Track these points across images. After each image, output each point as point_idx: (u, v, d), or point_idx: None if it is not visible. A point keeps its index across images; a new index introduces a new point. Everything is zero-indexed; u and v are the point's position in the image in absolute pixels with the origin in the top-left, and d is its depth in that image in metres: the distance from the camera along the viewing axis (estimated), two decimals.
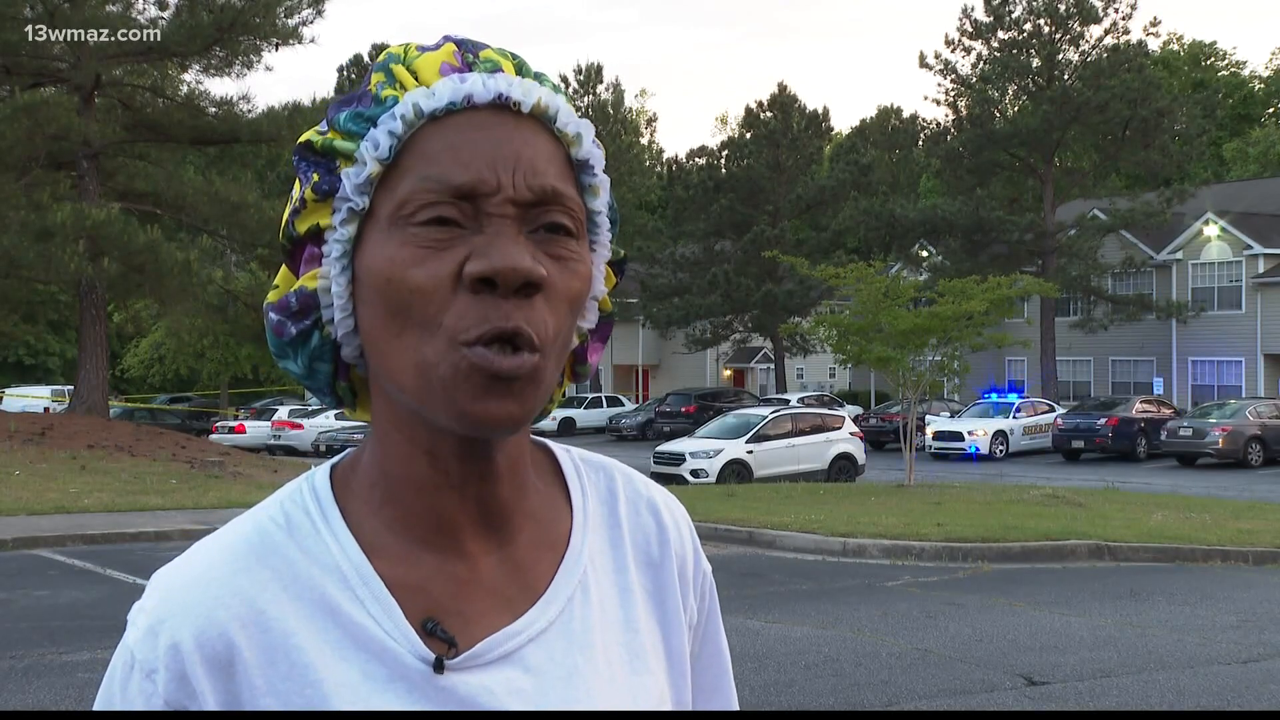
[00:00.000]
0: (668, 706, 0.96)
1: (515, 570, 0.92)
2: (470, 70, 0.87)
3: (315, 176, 0.87)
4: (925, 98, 73.84)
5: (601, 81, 59.84)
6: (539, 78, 0.90)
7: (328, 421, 35.84)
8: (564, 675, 0.89)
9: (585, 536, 0.96)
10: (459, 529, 0.89)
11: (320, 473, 0.93)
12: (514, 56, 0.90)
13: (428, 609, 0.87)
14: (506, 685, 0.87)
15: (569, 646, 0.90)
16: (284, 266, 0.92)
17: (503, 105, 0.85)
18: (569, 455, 1.01)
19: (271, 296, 0.90)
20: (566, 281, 0.85)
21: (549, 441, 1.02)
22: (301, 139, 0.88)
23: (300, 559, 0.87)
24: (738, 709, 1.08)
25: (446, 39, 0.90)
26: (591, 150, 0.89)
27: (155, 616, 0.85)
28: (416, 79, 0.87)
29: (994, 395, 35.10)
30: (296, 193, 0.89)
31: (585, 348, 0.95)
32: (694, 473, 22.11)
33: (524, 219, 0.84)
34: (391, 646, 0.85)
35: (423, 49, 0.89)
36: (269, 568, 0.87)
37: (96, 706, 0.87)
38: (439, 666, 0.85)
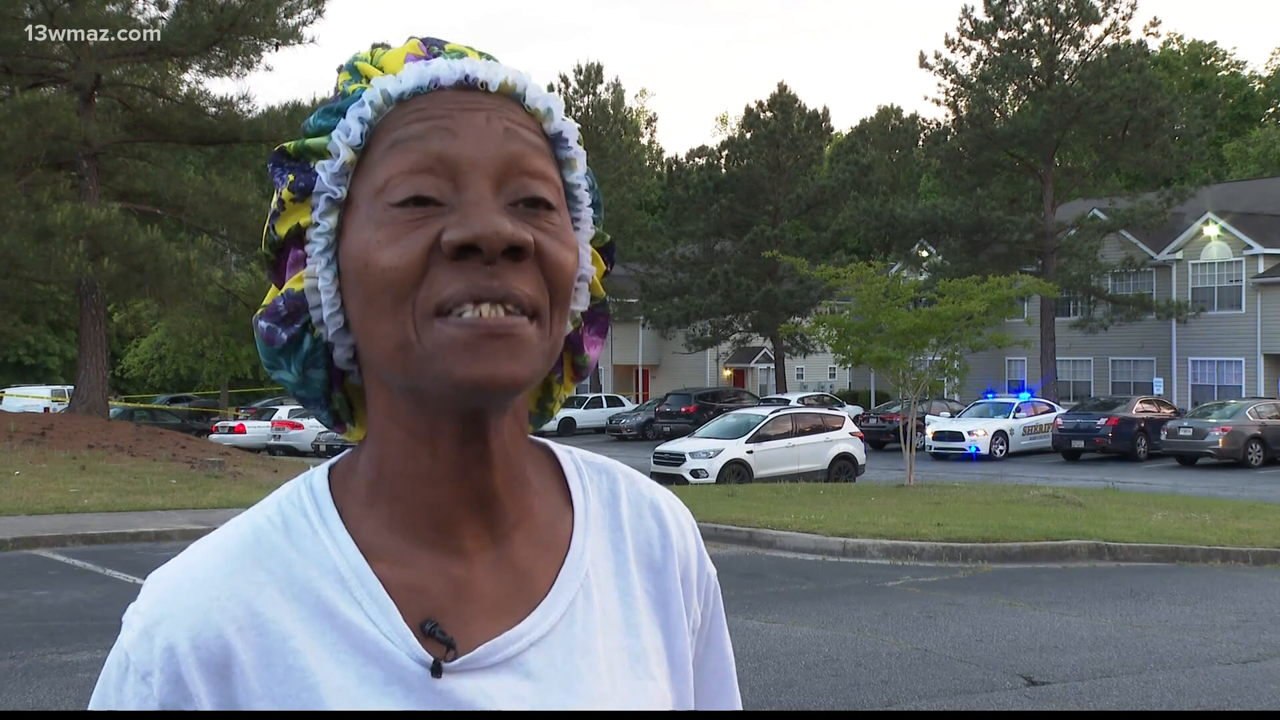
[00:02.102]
0: (669, 710, 0.95)
1: (515, 572, 0.91)
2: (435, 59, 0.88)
3: (291, 177, 0.87)
4: (925, 98, 73.90)
5: (601, 81, 59.76)
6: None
7: None
8: (564, 681, 0.88)
9: (586, 539, 0.95)
10: (457, 523, 0.88)
11: (318, 473, 0.92)
12: (482, 53, 0.91)
13: (426, 611, 0.86)
14: (505, 690, 0.86)
15: (569, 652, 0.89)
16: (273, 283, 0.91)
17: (470, 86, 0.86)
18: (570, 456, 1.00)
19: (261, 310, 0.90)
20: (555, 248, 0.84)
21: (550, 442, 1.01)
22: (275, 149, 0.89)
23: (297, 560, 0.86)
24: (741, 711, 1.07)
25: (411, 38, 0.91)
26: (564, 124, 0.89)
27: (150, 618, 0.84)
28: (383, 72, 0.87)
29: (990, 396, 35.13)
30: (275, 199, 0.89)
31: (581, 336, 0.94)
32: (694, 473, 22.11)
33: (502, 188, 0.83)
34: (389, 649, 0.84)
35: (387, 48, 0.90)
36: (266, 569, 0.86)
37: (91, 708, 0.86)
38: (436, 670, 0.84)
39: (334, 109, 0.86)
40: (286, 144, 0.88)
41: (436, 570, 0.88)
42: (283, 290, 0.88)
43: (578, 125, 0.91)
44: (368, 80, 0.87)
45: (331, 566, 0.86)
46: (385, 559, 0.87)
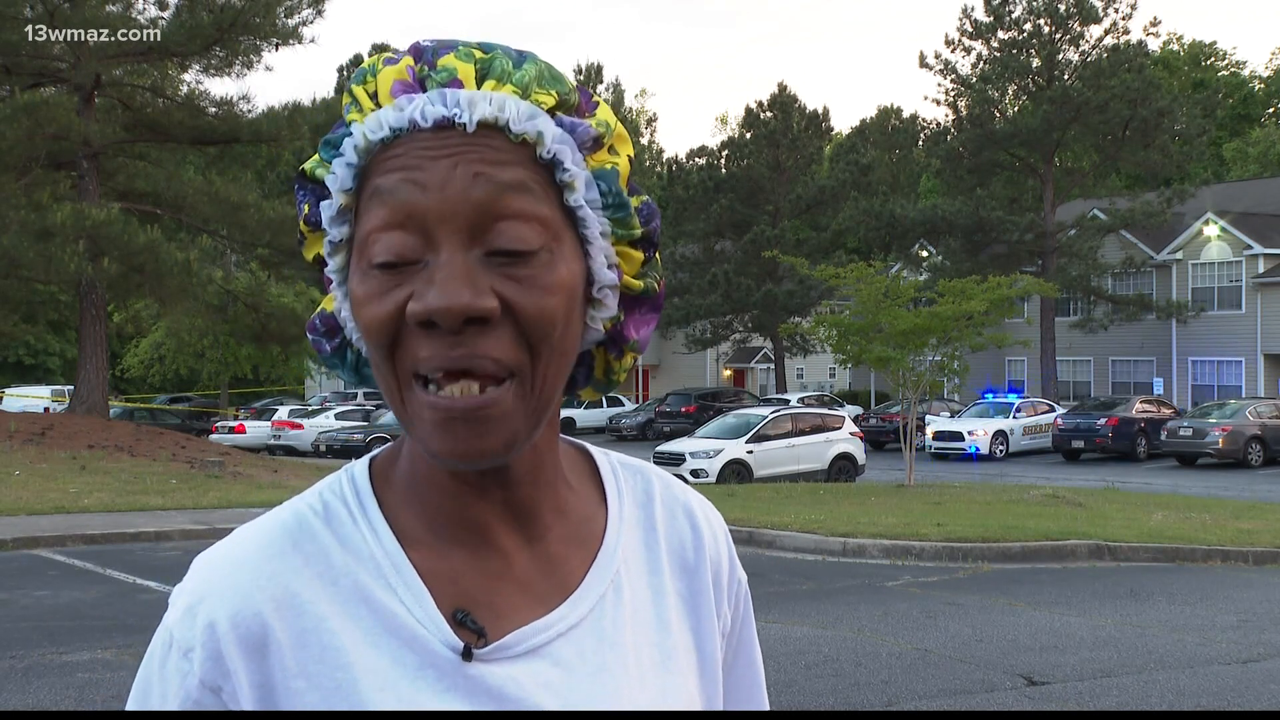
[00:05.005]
0: (698, 708, 0.97)
1: (548, 566, 0.93)
2: (422, 85, 0.85)
3: (306, 208, 0.89)
4: (925, 98, 74.04)
5: (601, 81, 59.87)
6: (520, 64, 0.85)
7: (328, 421, 35.84)
8: (593, 671, 0.90)
9: (620, 536, 0.97)
10: (488, 526, 0.91)
11: (360, 465, 0.95)
12: (482, 56, 0.85)
13: (459, 599, 0.89)
14: (535, 678, 0.88)
15: (599, 643, 0.92)
16: None
17: (448, 125, 0.83)
18: (606, 458, 1.03)
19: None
20: (530, 302, 0.82)
21: (587, 444, 1.03)
22: (299, 170, 0.90)
23: (336, 547, 0.89)
24: (769, 712, 1.09)
25: (412, 47, 0.87)
26: (557, 146, 0.84)
27: (194, 597, 0.88)
28: (375, 99, 0.86)
29: (991, 395, 35.12)
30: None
31: (620, 330, 0.92)
32: (694, 473, 22.09)
33: (474, 238, 0.81)
34: (422, 634, 0.87)
35: (389, 61, 0.87)
36: (305, 554, 0.89)
37: (135, 684, 0.90)
38: (467, 655, 0.87)
39: (332, 141, 0.87)
40: (307, 165, 0.89)
41: (471, 560, 0.91)
42: (319, 308, 0.92)
43: (595, 125, 0.87)
44: (361, 108, 0.86)
45: (368, 554, 0.89)
46: (421, 548, 0.90)
